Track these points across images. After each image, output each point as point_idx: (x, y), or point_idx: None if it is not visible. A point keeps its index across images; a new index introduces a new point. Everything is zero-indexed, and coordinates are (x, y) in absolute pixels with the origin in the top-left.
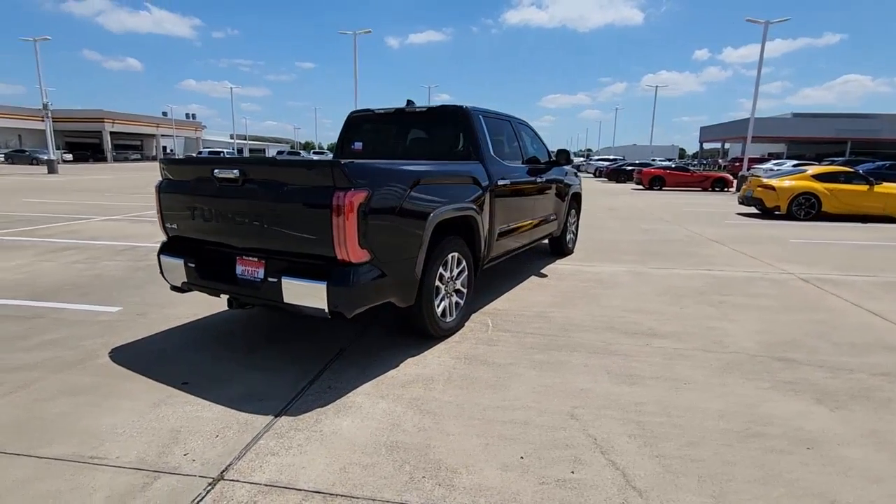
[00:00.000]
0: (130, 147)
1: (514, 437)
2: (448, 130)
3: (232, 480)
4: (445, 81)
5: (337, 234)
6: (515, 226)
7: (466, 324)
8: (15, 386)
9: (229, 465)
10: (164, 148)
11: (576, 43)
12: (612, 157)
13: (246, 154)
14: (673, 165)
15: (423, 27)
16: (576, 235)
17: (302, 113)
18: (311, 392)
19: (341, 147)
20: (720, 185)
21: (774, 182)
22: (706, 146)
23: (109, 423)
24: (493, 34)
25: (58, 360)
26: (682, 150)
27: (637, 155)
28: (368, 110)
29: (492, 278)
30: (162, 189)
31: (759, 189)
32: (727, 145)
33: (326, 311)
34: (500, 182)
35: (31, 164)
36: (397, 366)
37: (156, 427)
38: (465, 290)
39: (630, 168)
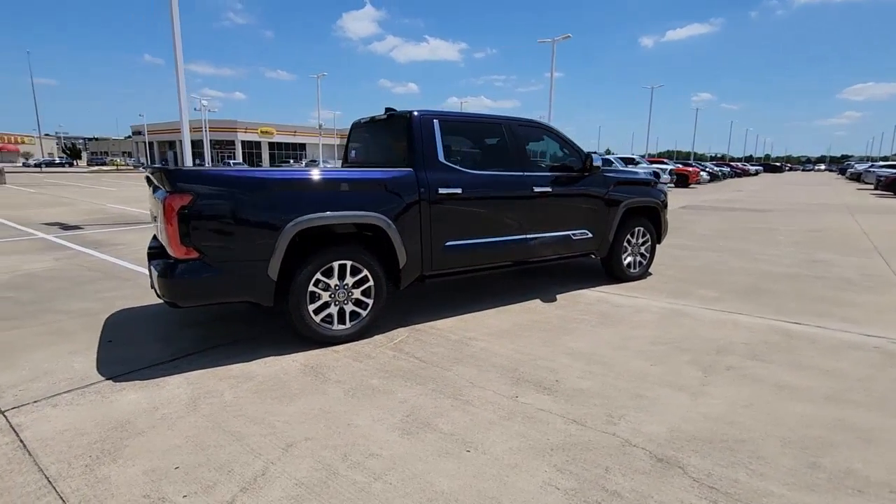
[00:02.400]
0: None
1: (207, 446)
2: (400, 137)
3: (2, 415)
4: (711, 80)
5: (163, 232)
6: (488, 240)
7: (379, 336)
8: (40, 323)
9: (21, 406)
10: None
11: None
12: None
13: None
14: None
15: (683, 21)
16: (647, 258)
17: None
18: (158, 367)
19: (346, 154)
20: None
21: None
22: None
23: (32, 357)
24: (778, 17)
25: (87, 310)
26: None
27: None
28: (360, 120)
29: (486, 290)
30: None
31: None
32: None
33: (161, 299)
34: (445, 191)
35: None
36: (252, 360)
37: (43, 367)
38: (369, 301)
39: None
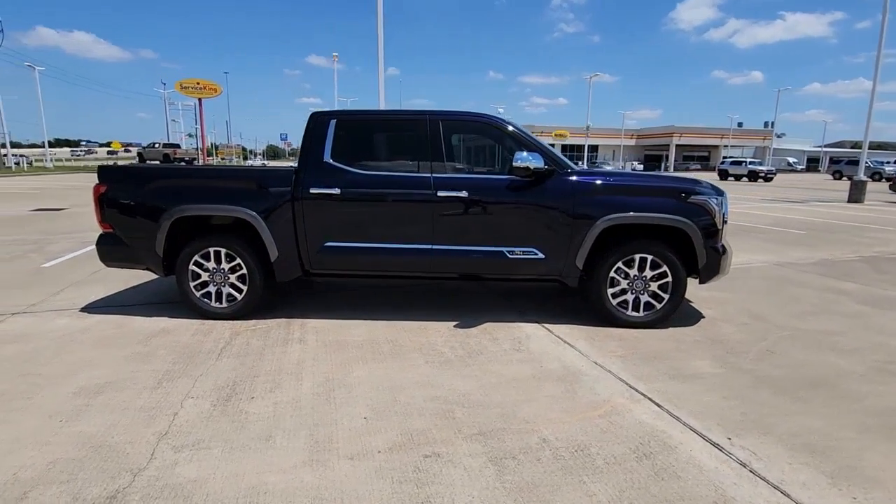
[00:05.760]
0: (697, 157)
1: None
2: None
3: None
4: None
5: None
6: (378, 246)
7: (255, 320)
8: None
9: (18, 313)
10: (723, 158)
11: None
12: None
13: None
14: None
15: None
16: (665, 300)
17: None
18: (115, 307)
19: None
20: None
21: None
22: None
23: (91, 287)
24: None
25: None
26: None
27: None
28: None
29: (425, 301)
30: None
31: None
32: None
33: None
34: (317, 191)
35: None
36: (158, 317)
37: (81, 293)
38: (243, 287)
39: None
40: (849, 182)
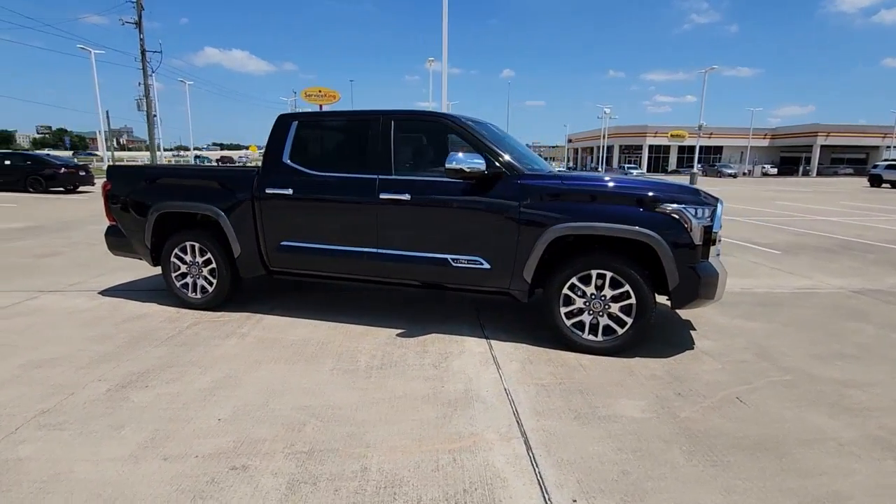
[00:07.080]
0: (848, 160)
1: None
2: None
3: (41, 292)
4: None
5: None
6: (328, 247)
7: (222, 312)
8: None
9: (55, 291)
10: (885, 160)
11: None
12: None
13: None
14: None
15: None
16: (628, 325)
17: None
18: (129, 291)
19: None
20: None
21: None
22: None
23: (122, 273)
24: None
25: None
26: None
27: None
28: None
29: (390, 310)
30: None
31: None
32: None
33: None
34: (272, 191)
35: (717, 176)
36: (151, 303)
37: (109, 277)
38: (214, 280)
39: None
40: None
